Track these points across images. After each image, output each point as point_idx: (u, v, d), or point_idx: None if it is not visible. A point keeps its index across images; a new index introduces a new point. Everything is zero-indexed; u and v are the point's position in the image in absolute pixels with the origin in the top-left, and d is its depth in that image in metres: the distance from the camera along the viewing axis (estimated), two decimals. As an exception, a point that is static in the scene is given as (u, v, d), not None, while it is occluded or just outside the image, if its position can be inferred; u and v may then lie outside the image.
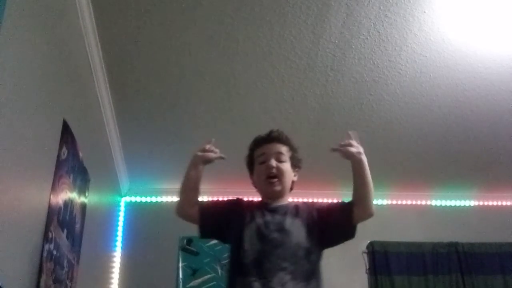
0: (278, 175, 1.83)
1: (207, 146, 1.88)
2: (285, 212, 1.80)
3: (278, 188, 1.84)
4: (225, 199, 1.96)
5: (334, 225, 1.78)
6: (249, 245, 1.71)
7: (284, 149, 1.89)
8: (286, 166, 1.86)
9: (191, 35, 2.62)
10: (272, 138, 1.91)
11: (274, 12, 2.50)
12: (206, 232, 1.87)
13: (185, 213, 1.83)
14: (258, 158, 1.89)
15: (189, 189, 1.83)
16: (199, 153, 1.87)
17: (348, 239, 1.78)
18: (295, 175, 1.90)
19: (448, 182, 4.27)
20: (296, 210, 1.82)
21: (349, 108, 3.26)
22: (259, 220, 1.77)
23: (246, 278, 1.65)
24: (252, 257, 1.69)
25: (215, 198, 4.16)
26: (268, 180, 1.83)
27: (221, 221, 1.83)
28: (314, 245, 1.74)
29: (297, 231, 1.75)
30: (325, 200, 4.27)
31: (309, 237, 1.75)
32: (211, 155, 1.87)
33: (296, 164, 1.91)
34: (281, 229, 1.74)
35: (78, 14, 2.36)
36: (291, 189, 1.91)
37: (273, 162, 1.84)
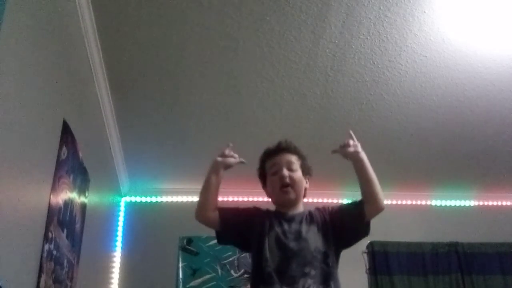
0: (292, 183, 1.88)
1: (227, 151, 1.92)
2: (300, 220, 1.84)
3: (292, 196, 1.88)
4: (244, 206, 1.99)
5: (348, 226, 1.83)
6: (269, 254, 1.75)
7: (294, 158, 1.93)
8: (298, 175, 1.90)
9: (191, 35, 2.62)
10: (281, 149, 1.96)
11: (274, 12, 2.50)
12: (224, 238, 1.91)
13: (205, 217, 1.86)
14: (270, 170, 1.93)
15: (209, 194, 1.87)
16: (219, 159, 1.90)
17: (364, 237, 1.84)
18: (306, 182, 1.95)
19: (448, 182, 4.27)
20: (311, 217, 1.87)
21: (349, 108, 3.26)
22: (277, 229, 1.81)
23: (269, 287, 1.70)
24: (274, 265, 1.73)
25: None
26: (283, 189, 1.88)
27: (241, 228, 1.86)
28: (330, 249, 1.79)
29: (314, 238, 1.80)
30: (325, 200, 4.29)
31: (326, 241, 1.80)
32: (232, 160, 1.91)
33: (307, 171, 1.96)
34: (299, 238, 1.79)
35: (78, 14, 2.36)
36: (304, 196, 1.95)
37: (286, 172, 1.88)
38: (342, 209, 1.91)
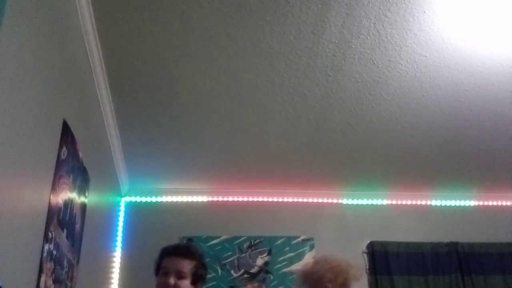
0: None
1: None
2: None
3: None
4: None
5: None
6: None
7: (187, 264, 2.05)
8: (185, 284, 2.04)
9: (191, 35, 2.62)
10: (177, 253, 2.09)
11: (274, 12, 2.50)
12: None
13: None
14: (161, 269, 2.08)
15: None
16: None
17: None
18: None
19: (448, 182, 4.27)
20: None
21: (349, 108, 3.26)
22: None
23: None
24: None
25: (215, 199, 4.19)
26: None
27: None
28: None
29: None
30: (325, 200, 4.29)
31: None
32: None
33: (197, 279, 2.09)
34: None
35: (78, 14, 2.37)
36: None
37: (172, 280, 2.02)
38: None
